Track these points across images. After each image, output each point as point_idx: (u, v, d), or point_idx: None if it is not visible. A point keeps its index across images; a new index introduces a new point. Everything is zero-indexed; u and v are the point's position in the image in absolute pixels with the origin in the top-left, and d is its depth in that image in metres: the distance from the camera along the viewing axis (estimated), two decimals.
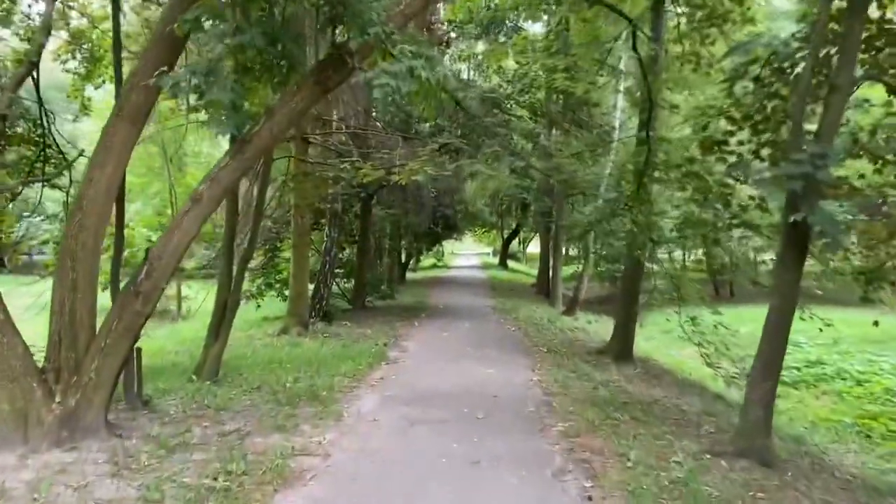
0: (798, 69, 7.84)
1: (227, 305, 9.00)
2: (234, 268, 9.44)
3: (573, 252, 36.60)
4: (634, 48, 8.44)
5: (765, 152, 8.18)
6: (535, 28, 22.54)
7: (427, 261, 47.90)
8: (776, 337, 6.70)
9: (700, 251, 22.51)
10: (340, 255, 21.23)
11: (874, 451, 10.42)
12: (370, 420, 7.26)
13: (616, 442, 6.62)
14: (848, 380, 14.50)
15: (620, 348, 12.89)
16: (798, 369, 16.04)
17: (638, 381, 11.30)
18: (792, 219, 6.20)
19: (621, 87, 20.57)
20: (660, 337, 22.95)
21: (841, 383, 14.34)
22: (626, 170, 13.93)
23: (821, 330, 10.40)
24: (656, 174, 9.33)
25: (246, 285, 19.33)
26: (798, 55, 7.34)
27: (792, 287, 6.69)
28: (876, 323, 11.11)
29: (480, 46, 23.76)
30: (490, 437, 6.68)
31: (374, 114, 16.30)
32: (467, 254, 64.24)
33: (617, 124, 20.74)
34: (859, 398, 13.40)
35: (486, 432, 6.83)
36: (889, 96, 7.54)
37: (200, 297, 19.70)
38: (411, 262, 37.63)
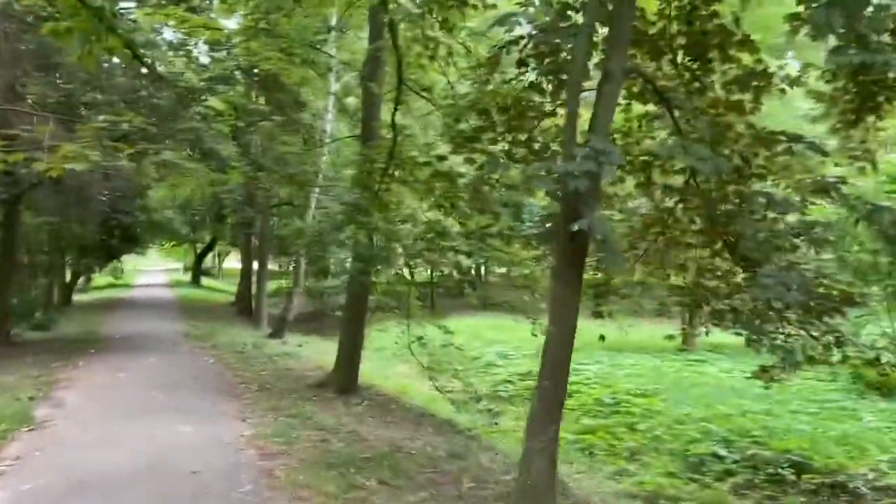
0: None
1: None
2: None
3: (273, 266, 34.15)
4: (384, 3, 6.79)
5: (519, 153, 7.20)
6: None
7: (102, 279, 41.25)
8: (558, 370, 5.57)
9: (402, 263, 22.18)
10: None
11: (602, 471, 10.14)
12: None
13: None
14: None
15: (345, 379, 11.20)
16: (512, 383, 15.99)
17: (369, 418, 9.70)
18: (576, 227, 5.06)
19: (332, 89, 19.25)
20: (372, 355, 21.88)
21: None
22: (347, 174, 12.40)
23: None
24: (397, 174, 7.83)
25: None
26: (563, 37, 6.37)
27: (572, 310, 5.61)
28: (602, 338, 11.06)
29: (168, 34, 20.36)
30: None
31: (27, 98, 12.33)
32: (154, 270, 57.50)
33: (328, 128, 19.28)
34: (573, 410, 13.44)
35: None
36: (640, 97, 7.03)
37: None
38: (80, 281, 31.62)
